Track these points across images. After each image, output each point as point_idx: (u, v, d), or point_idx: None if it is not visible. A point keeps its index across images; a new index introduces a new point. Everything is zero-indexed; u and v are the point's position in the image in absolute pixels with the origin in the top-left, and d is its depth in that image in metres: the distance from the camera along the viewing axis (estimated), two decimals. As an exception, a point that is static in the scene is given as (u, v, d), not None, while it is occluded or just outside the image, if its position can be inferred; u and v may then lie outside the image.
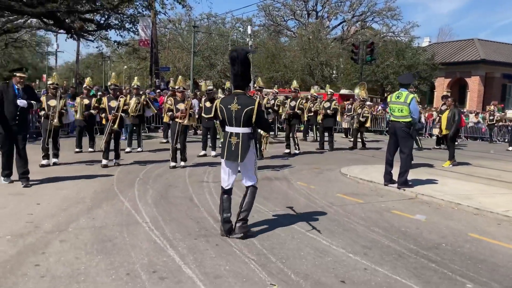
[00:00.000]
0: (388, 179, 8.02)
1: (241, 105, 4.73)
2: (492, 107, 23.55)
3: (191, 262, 4.09)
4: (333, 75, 41.29)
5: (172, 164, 9.21)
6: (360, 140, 14.67)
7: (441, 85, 39.54)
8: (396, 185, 7.82)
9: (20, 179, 7.11)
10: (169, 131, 10.45)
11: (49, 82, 9.82)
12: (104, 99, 9.49)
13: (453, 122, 10.95)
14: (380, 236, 5.11)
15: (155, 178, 8.12)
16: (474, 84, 37.10)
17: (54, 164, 9.16)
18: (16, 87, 7.06)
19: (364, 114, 14.17)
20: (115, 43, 29.30)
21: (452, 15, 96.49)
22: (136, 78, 14.18)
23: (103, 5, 22.89)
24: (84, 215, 5.55)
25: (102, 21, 25.97)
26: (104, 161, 9.08)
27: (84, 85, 11.87)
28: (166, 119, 10.32)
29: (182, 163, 9.36)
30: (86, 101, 11.31)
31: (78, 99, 11.48)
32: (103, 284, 3.54)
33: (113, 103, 9.18)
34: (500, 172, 10.50)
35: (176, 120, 9.17)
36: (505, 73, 37.27)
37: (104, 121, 9.53)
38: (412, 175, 8.98)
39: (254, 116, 4.66)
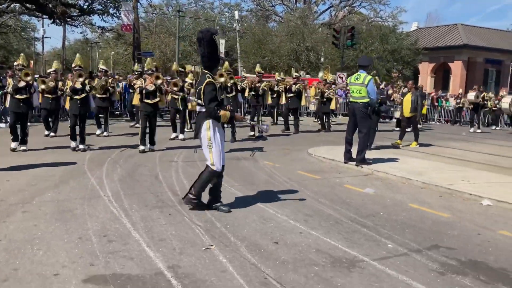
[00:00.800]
0: (348, 157, 8.40)
1: (197, 84, 5.11)
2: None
3: (141, 228, 4.45)
4: (320, 61, 41.45)
5: (142, 147, 9.16)
6: (326, 122, 14.95)
7: (425, 70, 40.04)
8: (355, 162, 8.22)
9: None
10: (139, 113, 9.94)
11: (15, 64, 9.63)
12: (68, 81, 9.37)
13: (417, 105, 11.30)
14: (325, 206, 5.51)
15: (125, 159, 8.44)
16: (457, 68, 37.61)
17: (24, 150, 8.90)
18: None
19: (327, 96, 14.37)
20: (99, 29, 29.29)
21: (444, 0, 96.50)
22: (101, 61, 14.47)
23: (84, -10, 22.89)
24: (50, 190, 5.88)
25: (85, 6, 25.93)
26: (73, 143, 9.12)
27: (53, 69, 11.74)
28: (135, 101, 10.16)
29: (150, 146, 9.32)
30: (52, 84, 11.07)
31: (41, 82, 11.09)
32: (56, 246, 3.89)
33: (78, 85, 8.99)
34: (464, 152, 10.97)
35: (147, 101, 9.22)
36: (488, 58, 37.82)
37: (67, 105, 9.45)
38: (378, 154, 9.44)
39: (202, 95, 4.96)
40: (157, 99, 9.34)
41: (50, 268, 3.43)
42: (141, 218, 4.77)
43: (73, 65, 9.65)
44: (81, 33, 36.36)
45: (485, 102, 18.22)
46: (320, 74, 16.34)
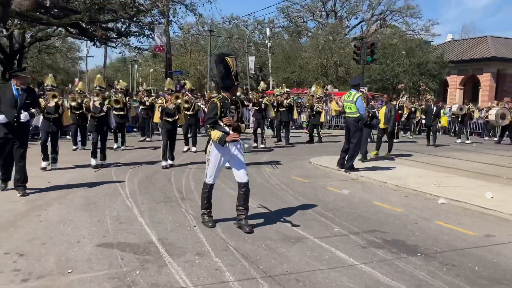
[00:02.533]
0: (340, 163, 9.49)
1: None
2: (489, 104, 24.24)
3: (146, 215, 5.78)
4: (347, 75, 42.33)
5: (164, 163, 9.70)
6: (316, 134, 15.91)
7: (454, 82, 40.14)
8: (338, 167, 9.33)
9: (16, 187, 6.79)
10: (160, 130, 10.31)
11: (45, 84, 10.18)
12: (88, 100, 10.09)
13: (390, 116, 12.01)
14: (299, 202, 6.68)
15: (146, 167, 9.86)
16: (486, 81, 37.56)
17: (53, 169, 9.11)
18: (16, 87, 6.71)
19: (316, 109, 15.41)
20: (136, 49, 31.45)
21: (485, 10, 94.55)
22: (120, 80, 15.78)
23: (122, 16, 24.95)
24: (81, 188, 7.32)
25: (122, 29, 28.07)
26: (93, 161, 9.56)
27: (76, 89, 12.83)
28: (156, 119, 10.50)
29: (170, 162, 9.90)
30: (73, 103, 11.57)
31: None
32: (80, 225, 5.25)
33: (96, 103, 9.46)
34: (457, 161, 11.80)
35: (167, 119, 9.89)
36: (518, 69, 37.61)
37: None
38: (375, 163, 10.43)
39: None
40: (176, 118, 10.03)
41: (74, 238, 4.79)
42: (148, 209, 6.10)
43: (95, 85, 10.29)
44: (119, 53, 38.84)
45: (471, 113, 18.94)
46: (313, 88, 17.25)
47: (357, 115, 9.25)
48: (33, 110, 6.87)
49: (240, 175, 5.23)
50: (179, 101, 10.32)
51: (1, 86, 7.02)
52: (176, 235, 4.96)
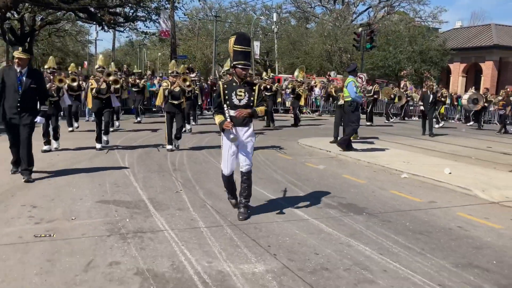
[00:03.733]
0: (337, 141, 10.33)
1: None
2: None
3: (140, 181, 6.70)
4: (351, 61, 42.72)
5: (169, 147, 9.68)
6: (295, 116, 16.51)
7: (457, 70, 40.52)
8: (337, 146, 10.14)
9: (21, 172, 6.53)
10: (165, 113, 10.24)
11: (46, 66, 10.29)
12: (92, 81, 9.99)
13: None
14: (277, 174, 7.56)
15: (147, 142, 10.79)
16: (488, 69, 37.91)
17: (56, 149, 9.22)
18: (18, 70, 6.32)
19: (297, 92, 16.17)
20: (143, 33, 32.24)
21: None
22: (112, 63, 16.15)
23: (129, 1, 25.74)
24: (86, 161, 8.26)
25: (129, 14, 28.86)
26: (98, 145, 9.57)
27: (70, 71, 13.32)
28: (159, 102, 10.48)
29: (177, 142, 10.04)
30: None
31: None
32: (83, 187, 6.19)
33: (103, 85, 9.61)
34: (438, 144, 12.60)
35: (172, 102, 9.78)
36: (520, 57, 37.88)
37: (89, 104, 10.44)
38: (361, 145, 11.21)
39: None
40: (182, 100, 9.92)
41: (78, 196, 5.72)
42: (143, 177, 7.02)
43: (96, 66, 10.48)
44: (127, 37, 39.62)
45: (443, 99, 19.52)
46: (296, 73, 17.84)
47: (350, 98, 10.07)
48: (42, 109, 6.67)
49: (243, 164, 4.99)
50: (187, 83, 10.41)
51: (6, 68, 6.72)
52: (163, 196, 5.88)
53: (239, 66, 4.85)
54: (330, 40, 39.75)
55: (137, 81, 16.59)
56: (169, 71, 11.10)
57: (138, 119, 15.96)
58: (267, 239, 4.38)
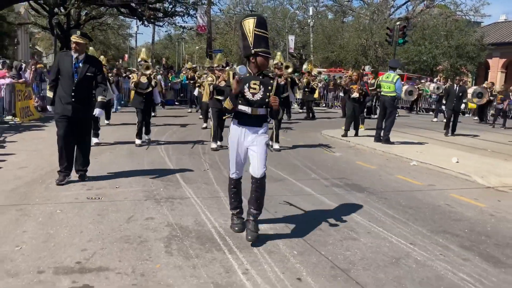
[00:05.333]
0: (377, 138, 10.71)
1: None
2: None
3: (173, 161, 7.68)
4: (386, 56, 42.61)
5: (214, 145, 9.11)
6: (310, 111, 16.95)
7: (496, 65, 39.81)
8: (380, 142, 10.57)
9: (76, 172, 6.07)
10: (211, 109, 9.56)
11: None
12: (134, 75, 9.65)
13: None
14: (295, 159, 8.37)
15: (182, 131, 11.81)
16: (528, 64, 37.16)
17: (97, 144, 8.84)
18: (74, 56, 5.73)
19: (311, 86, 16.64)
20: (181, 28, 33.50)
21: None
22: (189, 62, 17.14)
23: (168, -4, 26.98)
24: (126, 144, 9.32)
25: (169, 10, 30.14)
26: (138, 141, 9.21)
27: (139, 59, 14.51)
28: (205, 98, 10.09)
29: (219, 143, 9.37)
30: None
31: None
32: (124, 165, 7.20)
33: (143, 79, 9.19)
34: (458, 137, 13.01)
35: (218, 97, 8.87)
36: None
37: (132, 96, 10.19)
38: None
39: None
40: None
41: (120, 172, 6.73)
42: (176, 159, 7.99)
43: (138, 59, 10.12)
44: (165, 31, 41.04)
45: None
46: (305, 66, 18.03)
47: (394, 94, 10.60)
48: (99, 99, 5.98)
49: (253, 167, 4.13)
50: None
51: (62, 54, 6.20)
52: (193, 173, 6.82)
53: (262, 53, 4.02)
54: (365, 34, 39.84)
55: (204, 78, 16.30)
56: (215, 65, 10.05)
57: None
58: (275, 208, 5.22)
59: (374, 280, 3.46)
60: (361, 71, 25.16)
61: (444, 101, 14.65)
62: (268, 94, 4.09)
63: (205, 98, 10.28)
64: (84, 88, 5.81)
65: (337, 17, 52.06)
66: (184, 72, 21.51)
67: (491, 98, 18.61)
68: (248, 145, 4.17)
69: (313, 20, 48.41)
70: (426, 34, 36.75)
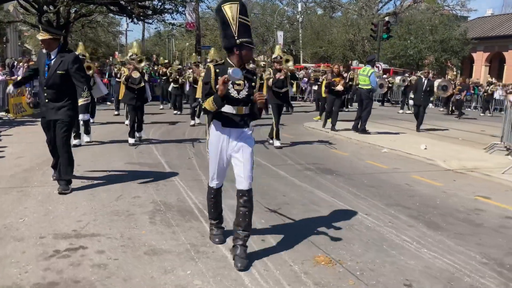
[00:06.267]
0: (355, 127, 11.38)
1: None
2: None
3: (160, 151, 8.26)
4: (374, 51, 43.27)
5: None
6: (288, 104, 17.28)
7: (480, 59, 40.71)
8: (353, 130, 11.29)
9: (57, 180, 5.43)
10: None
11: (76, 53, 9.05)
12: (125, 69, 9.30)
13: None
14: (285, 155, 8.95)
15: (171, 124, 12.39)
16: (511, 58, 38.04)
17: (87, 143, 8.66)
18: (44, 52, 5.28)
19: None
20: (170, 25, 33.92)
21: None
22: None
23: (156, -6, 27.40)
24: (118, 135, 9.86)
25: (158, 7, 30.56)
26: (131, 140, 8.88)
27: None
28: (198, 94, 10.21)
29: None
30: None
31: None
32: (114, 154, 7.76)
33: (135, 74, 8.76)
34: (435, 127, 13.70)
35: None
36: (546, 47, 37.81)
37: (121, 95, 9.30)
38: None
39: None
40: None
41: (111, 160, 7.29)
42: (162, 148, 8.56)
43: (130, 54, 9.72)
44: (155, 28, 41.38)
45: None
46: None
47: (370, 87, 11.26)
48: (80, 102, 5.37)
49: (240, 178, 3.67)
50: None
51: (41, 51, 5.61)
52: (178, 161, 7.41)
53: (248, 45, 3.55)
54: (353, 30, 40.53)
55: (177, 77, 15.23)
56: (208, 60, 10.62)
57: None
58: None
59: (326, 240, 4.07)
60: (348, 64, 25.54)
61: (412, 95, 15.10)
62: (252, 90, 3.66)
63: (198, 95, 10.44)
64: (56, 87, 5.19)
65: (326, 13, 52.70)
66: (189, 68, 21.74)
67: (454, 91, 19.23)
68: (232, 151, 3.67)
69: (302, 16, 48.94)
70: (412, 29, 37.49)
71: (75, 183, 5.69)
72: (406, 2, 52.48)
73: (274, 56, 9.67)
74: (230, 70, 3.33)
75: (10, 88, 5.88)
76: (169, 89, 15.63)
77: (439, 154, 8.49)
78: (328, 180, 6.42)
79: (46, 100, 5.24)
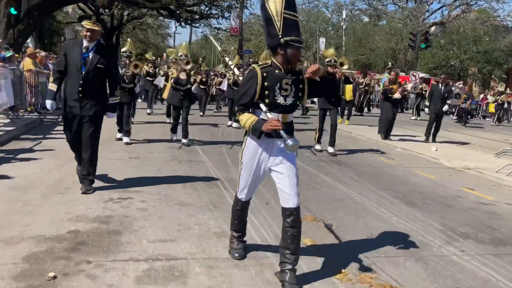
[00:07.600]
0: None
1: None
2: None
3: (196, 139, 9.51)
4: (416, 60, 43.32)
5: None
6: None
7: (527, 71, 39.97)
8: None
9: (80, 181, 5.22)
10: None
11: (122, 50, 9.52)
12: (173, 70, 9.07)
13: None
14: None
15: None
16: (557, 71, 37.22)
17: (126, 144, 8.42)
18: (84, 44, 4.93)
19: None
20: (216, 29, 35.63)
21: None
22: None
23: (204, 0, 29.14)
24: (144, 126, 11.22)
25: (204, 12, 32.30)
26: (173, 136, 9.24)
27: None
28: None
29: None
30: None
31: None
32: (156, 135, 9.07)
33: (182, 75, 8.64)
34: (457, 134, 14.31)
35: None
36: None
37: (165, 95, 9.41)
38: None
39: None
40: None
41: (154, 145, 8.59)
42: (198, 138, 9.81)
43: (179, 54, 9.68)
44: (201, 32, 43.22)
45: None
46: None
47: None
48: (111, 101, 5.24)
49: (285, 195, 3.29)
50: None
51: (70, 42, 5.27)
52: (210, 147, 8.62)
53: (295, 43, 3.15)
54: (396, 38, 40.84)
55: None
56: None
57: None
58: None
59: (319, 208, 5.13)
60: (386, 70, 26.07)
61: (427, 103, 15.36)
62: (300, 95, 3.28)
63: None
64: (94, 82, 4.94)
65: (371, 21, 52.99)
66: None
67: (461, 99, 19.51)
68: (272, 164, 3.33)
69: (346, 23, 49.52)
70: (455, 39, 37.45)
71: (123, 158, 7.00)
72: (454, 12, 52.05)
73: (327, 60, 8.89)
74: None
75: (53, 105, 5.17)
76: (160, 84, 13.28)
77: (447, 155, 9.30)
78: (336, 168, 7.45)
79: (80, 95, 4.88)
